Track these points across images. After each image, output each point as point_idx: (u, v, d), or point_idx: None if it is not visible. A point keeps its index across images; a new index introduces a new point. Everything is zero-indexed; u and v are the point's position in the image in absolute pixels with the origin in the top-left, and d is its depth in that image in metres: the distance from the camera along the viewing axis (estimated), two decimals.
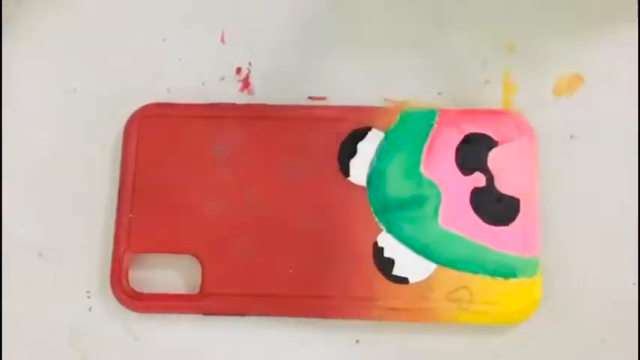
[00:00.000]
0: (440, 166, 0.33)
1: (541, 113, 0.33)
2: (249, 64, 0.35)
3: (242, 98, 0.35)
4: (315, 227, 0.32)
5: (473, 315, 0.31)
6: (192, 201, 0.33)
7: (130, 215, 0.33)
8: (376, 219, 0.32)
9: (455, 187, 0.32)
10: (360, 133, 0.33)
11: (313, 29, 0.35)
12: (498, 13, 0.35)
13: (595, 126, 0.34)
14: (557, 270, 0.32)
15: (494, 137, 0.33)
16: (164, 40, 0.36)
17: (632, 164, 0.33)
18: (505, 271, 0.32)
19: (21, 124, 0.35)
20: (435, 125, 0.33)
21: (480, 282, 0.32)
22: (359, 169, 0.33)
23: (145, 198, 0.33)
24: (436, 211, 0.32)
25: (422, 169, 0.33)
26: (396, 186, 0.33)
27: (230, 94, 0.35)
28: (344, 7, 0.35)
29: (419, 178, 0.33)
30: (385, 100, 0.34)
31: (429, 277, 0.32)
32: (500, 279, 0.32)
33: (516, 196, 0.32)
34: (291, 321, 0.32)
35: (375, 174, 0.33)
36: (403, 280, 0.32)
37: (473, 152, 0.33)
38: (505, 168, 0.33)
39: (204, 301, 0.32)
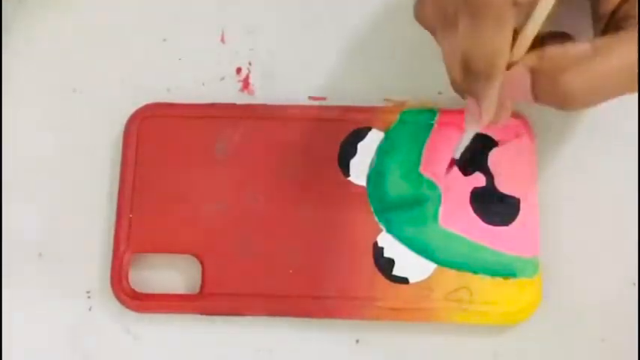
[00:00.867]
0: (440, 166, 0.33)
1: (541, 113, 0.33)
2: (249, 64, 0.35)
3: (242, 98, 0.35)
4: (315, 227, 0.32)
5: (473, 315, 0.31)
6: (192, 201, 0.33)
7: (130, 215, 0.33)
8: (376, 219, 0.32)
9: (455, 187, 0.32)
10: (360, 133, 0.33)
11: (313, 29, 0.35)
12: None
13: (595, 126, 0.34)
14: (557, 270, 0.32)
15: (494, 137, 0.33)
16: (164, 40, 0.36)
17: (632, 164, 0.33)
18: (505, 271, 0.32)
19: (21, 124, 0.35)
20: (435, 125, 0.33)
21: (479, 282, 0.32)
22: (359, 169, 0.33)
23: (145, 198, 0.33)
24: (436, 211, 0.32)
25: (422, 169, 0.33)
26: (396, 186, 0.33)
27: (230, 94, 0.35)
28: (344, 8, 0.35)
29: (419, 178, 0.33)
30: (385, 100, 0.34)
31: (428, 277, 0.32)
32: (500, 279, 0.32)
33: (516, 196, 0.32)
34: (291, 321, 0.32)
35: (375, 174, 0.33)
36: (403, 280, 0.32)
37: (473, 152, 0.33)
38: (505, 168, 0.33)
39: (204, 301, 0.32)
